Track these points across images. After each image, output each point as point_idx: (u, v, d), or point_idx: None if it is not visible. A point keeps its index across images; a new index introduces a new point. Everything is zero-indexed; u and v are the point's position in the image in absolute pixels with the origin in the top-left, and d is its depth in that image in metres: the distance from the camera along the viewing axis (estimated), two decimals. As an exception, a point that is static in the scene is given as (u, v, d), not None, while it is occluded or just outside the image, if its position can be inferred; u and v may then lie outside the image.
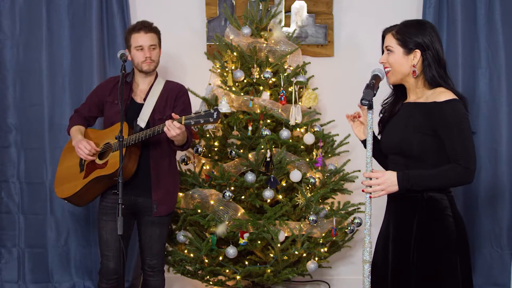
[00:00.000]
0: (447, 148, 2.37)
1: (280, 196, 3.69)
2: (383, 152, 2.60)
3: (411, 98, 2.53)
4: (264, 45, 3.87)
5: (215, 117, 2.97)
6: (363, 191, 2.40)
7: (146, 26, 3.37)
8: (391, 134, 2.53)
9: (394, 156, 2.50)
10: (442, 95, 2.41)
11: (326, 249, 3.79)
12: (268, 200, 3.66)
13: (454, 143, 2.35)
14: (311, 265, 3.65)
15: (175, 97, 3.41)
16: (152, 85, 3.42)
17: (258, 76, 3.83)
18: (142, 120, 3.30)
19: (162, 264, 3.47)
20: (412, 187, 2.37)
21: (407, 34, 2.49)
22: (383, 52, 2.55)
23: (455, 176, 2.35)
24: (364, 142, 2.63)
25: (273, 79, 3.83)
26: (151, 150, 3.32)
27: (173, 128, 3.04)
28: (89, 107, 3.52)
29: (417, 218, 2.41)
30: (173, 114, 3.09)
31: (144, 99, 3.38)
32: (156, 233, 3.38)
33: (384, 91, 2.58)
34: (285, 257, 3.61)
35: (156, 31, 3.41)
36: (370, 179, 2.38)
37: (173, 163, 3.46)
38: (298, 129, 3.84)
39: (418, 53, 2.48)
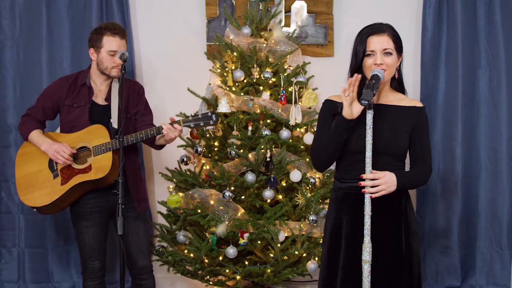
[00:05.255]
0: (416, 148, 2.58)
1: (280, 196, 3.69)
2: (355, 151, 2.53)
3: (381, 100, 2.59)
4: (264, 45, 3.87)
5: (214, 119, 3.16)
6: (363, 191, 2.41)
7: (122, 31, 3.28)
8: (383, 136, 2.51)
9: (385, 156, 2.51)
10: (415, 101, 2.62)
11: (326, 249, 3.79)
12: (268, 200, 3.66)
13: (424, 145, 2.58)
14: (311, 265, 3.65)
15: (136, 95, 3.42)
16: (111, 84, 3.36)
17: (258, 76, 3.83)
18: (114, 121, 3.27)
19: (151, 264, 3.51)
20: (405, 187, 2.52)
21: (399, 38, 2.57)
22: (363, 54, 2.53)
23: (425, 175, 2.59)
24: (351, 121, 2.44)
25: (273, 79, 3.83)
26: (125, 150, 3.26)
27: (173, 131, 3.15)
28: (44, 111, 3.37)
29: (404, 214, 2.56)
30: (171, 117, 3.17)
31: (106, 99, 3.34)
32: (141, 229, 3.42)
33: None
34: (285, 257, 3.61)
35: (126, 37, 3.32)
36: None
37: (138, 160, 3.51)
38: (298, 129, 3.83)
39: (401, 57, 2.59)
